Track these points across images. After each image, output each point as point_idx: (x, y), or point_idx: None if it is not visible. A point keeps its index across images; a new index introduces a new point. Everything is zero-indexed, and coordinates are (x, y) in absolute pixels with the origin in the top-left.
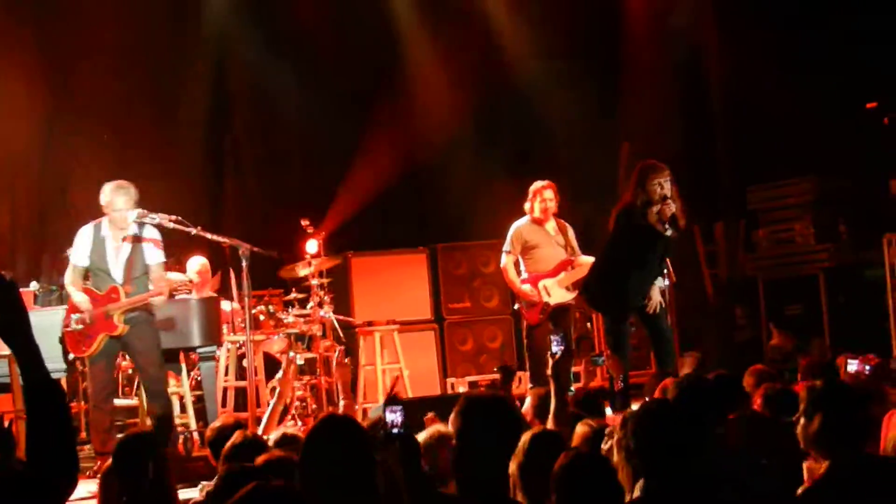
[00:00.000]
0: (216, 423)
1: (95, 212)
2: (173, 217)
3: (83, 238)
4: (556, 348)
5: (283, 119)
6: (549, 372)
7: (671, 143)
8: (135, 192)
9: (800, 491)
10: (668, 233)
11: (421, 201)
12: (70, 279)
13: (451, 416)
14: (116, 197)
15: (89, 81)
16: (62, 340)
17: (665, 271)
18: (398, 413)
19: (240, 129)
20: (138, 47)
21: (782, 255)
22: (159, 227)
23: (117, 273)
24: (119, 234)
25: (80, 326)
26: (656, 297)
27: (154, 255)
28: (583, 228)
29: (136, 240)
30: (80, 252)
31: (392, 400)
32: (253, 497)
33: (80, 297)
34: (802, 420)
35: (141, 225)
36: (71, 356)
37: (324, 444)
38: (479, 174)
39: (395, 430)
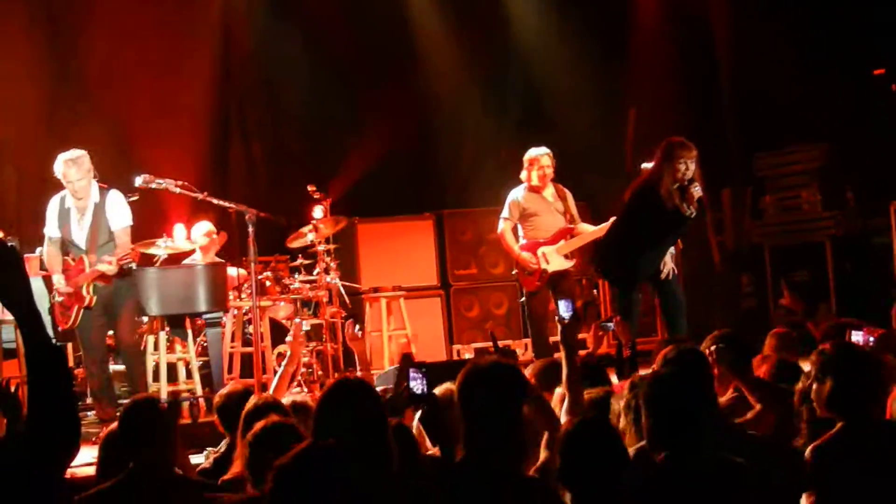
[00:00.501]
0: (224, 390)
1: (101, 174)
2: (180, 182)
3: (51, 210)
4: (564, 313)
5: (289, 85)
6: (558, 337)
7: (678, 110)
8: (87, 162)
9: (809, 448)
10: (691, 214)
11: (427, 167)
12: (46, 252)
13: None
14: (68, 169)
15: (94, 48)
16: (51, 311)
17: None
18: (421, 376)
19: (245, 94)
20: (143, 14)
21: (789, 223)
22: (166, 192)
23: (81, 242)
24: (80, 204)
25: (61, 299)
26: (669, 264)
27: (118, 220)
28: (588, 196)
29: (99, 207)
30: (50, 224)
31: (413, 363)
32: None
33: (56, 279)
34: (815, 384)
35: (103, 191)
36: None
37: (337, 408)
38: (485, 140)
39: (419, 393)
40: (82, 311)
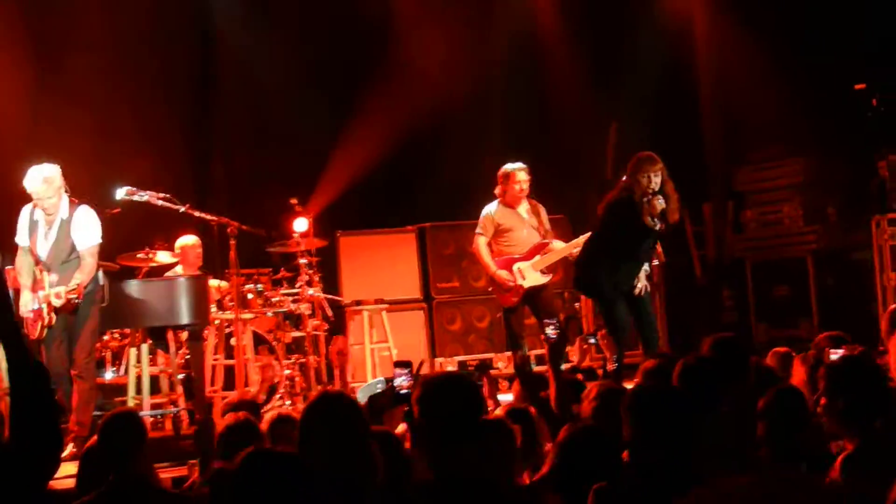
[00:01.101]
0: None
1: (82, 191)
2: (162, 195)
3: (22, 219)
4: (551, 333)
5: (271, 96)
6: (546, 356)
7: (659, 123)
8: (58, 178)
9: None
10: (657, 227)
11: (410, 181)
12: (17, 261)
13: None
14: (38, 186)
15: (75, 59)
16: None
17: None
18: (406, 375)
19: (226, 106)
20: (123, 25)
21: (770, 237)
22: (148, 204)
23: (44, 256)
24: (48, 219)
25: (31, 314)
26: (643, 280)
27: (84, 239)
28: (568, 209)
29: (65, 223)
30: (21, 233)
31: (400, 362)
32: (252, 463)
33: (23, 299)
34: (826, 400)
35: (73, 206)
36: None
37: (320, 420)
38: (468, 154)
39: (402, 392)
40: (45, 329)
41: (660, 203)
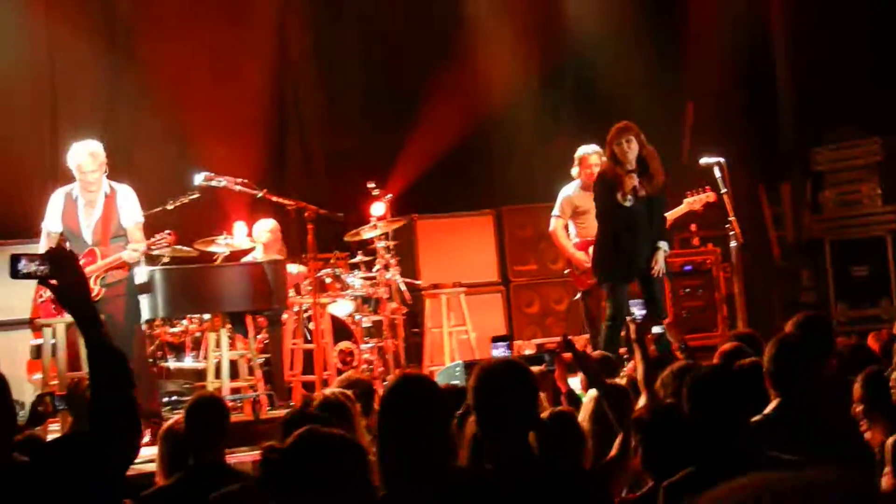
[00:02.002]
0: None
1: (159, 172)
2: (240, 180)
3: (55, 203)
4: (637, 312)
5: (346, 81)
6: (633, 337)
7: (736, 103)
8: (102, 153)
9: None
10: (628, 203)
11: (486, 163)
12: (42, 245)
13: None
14: (84, 159)
15: (151, 42)
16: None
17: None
18: (503, 349)
19: (302, 90)
20: (201, 9)
21: (849, 217)
22: (226, 189)
23: (87, 235)
24: (90, 196)
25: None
26: (661, 262)
27: (131, 215)
28: None
29: (109, 201)
30: (52, 216)
31: (499, 337)
32: (305, 442)
33: None
34: None
35: (113, 187)
36: None
37: (401, 402)
38: (545, 135)
39: None
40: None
41: (632, 179)
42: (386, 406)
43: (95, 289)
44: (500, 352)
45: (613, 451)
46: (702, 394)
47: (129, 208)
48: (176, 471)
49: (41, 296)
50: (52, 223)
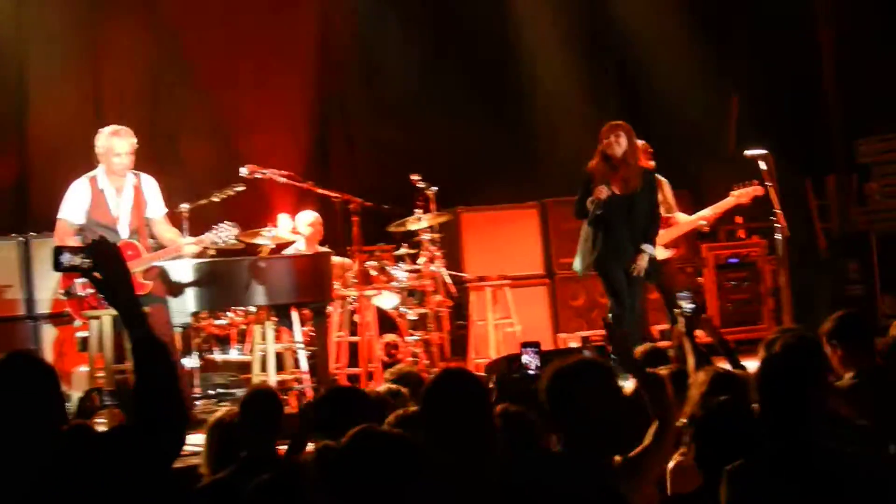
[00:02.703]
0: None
1: (204, 164)
2: (284, 172)
3: (78, 193)
4: (686, 306)
5: (390, 73)
6: (681, 330)
7: (782, 96)
8: (134, 139)
9: None
10: (596, 212)
11: (531, 155)
12: (62, 238)
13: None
14: (116, 140)
15: (195, 34)
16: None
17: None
18: (534, 354)
19: (347, 82)
20: (243, 2)
21: (894, 209)
22: (270, 182)
23: (123, 226)
24: (118, 183)
25: (90, 290)
26: (641, 263)
27: (159, 205)
28: (690, 183)
29: (137, 189)
30: (76, 207)
31: (528, 343)
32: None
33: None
34: None
35: (137, 175)
36: None
37: (444, 397)
38: (589, 128)
39: (530, 372)
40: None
41: (604, 190)
42: (428, 400)
43: (147, 283)
44: (529, 358)
45: (647, 441)
46: (770, 382)
47: (157, 198)
48: (223, 463)
49: (67, 290)
50: (74, 214)
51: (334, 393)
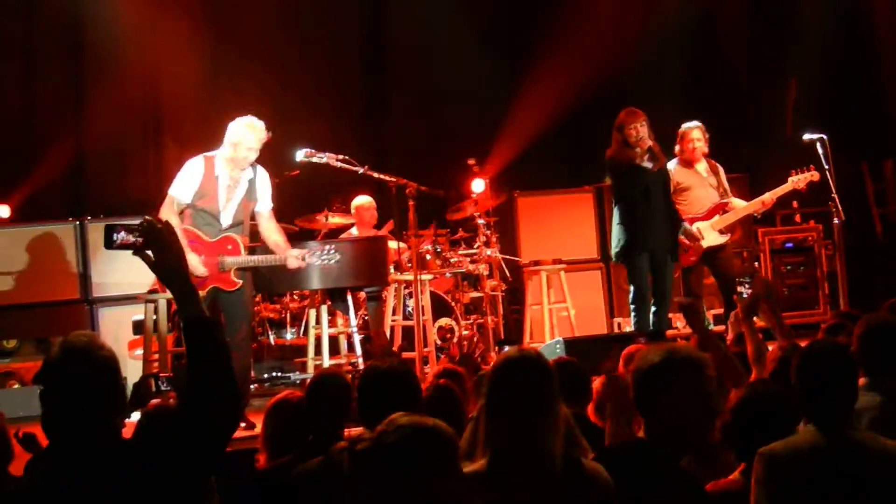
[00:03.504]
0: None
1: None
2: (341, 156)
3: (193, 172)
4: (746, 293)
5: (447, 56)
6: (741, 315)
7: (839, 80)
8: (265, 135)
9: None
10: (649, 165)
11: (587, 140)
12: (166, 213)
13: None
14: (250, 134)
15: (251, 21)
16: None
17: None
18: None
19: (403, 66)
20: None
21: None
22: (326, 166)
23: (226, 217)
24: (235, 175)
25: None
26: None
27: (268, 202)
28: (747, 168)
29: (252, 184)
30: (186, 186)
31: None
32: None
33: (194, 261)
34: None
35: (254, 167)
36: None
37: (508, 379)
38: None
39: None
40: (224, 294)
41: (646, 142)
42: (494, 382)
43: (238, 282)
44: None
45: None
46: (811, 367)
47: (268, 193)
48: (282, 447)
49: None
50: (183, 192)
51: (372, 373)
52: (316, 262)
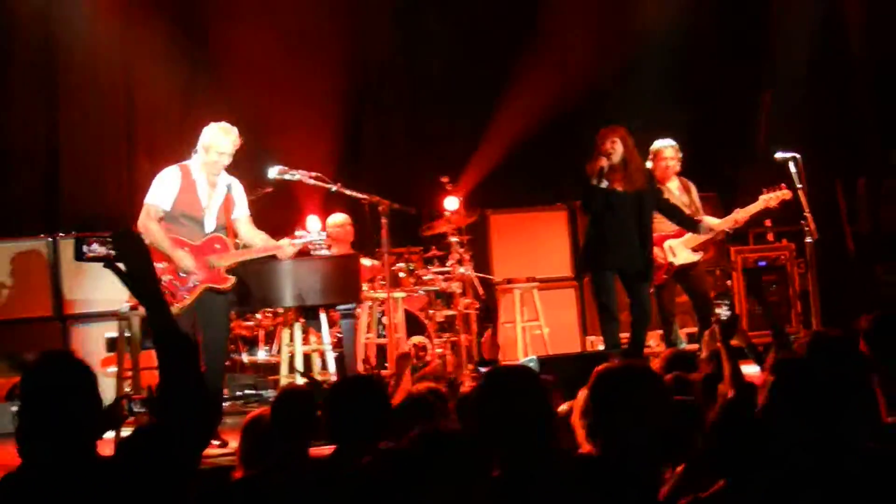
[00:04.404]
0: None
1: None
2: (313, 174)
3: (170, 180)
4: (724, 313)
5: (421, 75)
6: (718, 338)
7: (814, 94)
8: (239, 140)
9: None
10: (607, 184)
11: (559, 158)
12: (147, 223)
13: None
14: (223, 137)
15: (225, 37)
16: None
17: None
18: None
19: (377, 85)
20: (273, 2)
21: None
22: (299, 183)
23: (209, 221)
24: (212, 180)
25: (169, 277)
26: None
27: (245, 209)
28: (723, 187)
29: (229, 189)
30: (165, 193)
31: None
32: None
33: (181, 255)
34: None
35: (227, 173)
36: None
37: (497, 397)
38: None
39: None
40: (209, 294)
41: (600, 162)
42: (486, 393)
43: (229, 280)
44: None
45: None
46: (783, 388)
47: (244, 200)
48: (259, 464)
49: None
50: (162, 199)
51: (341, 385)
52: (313, 237)
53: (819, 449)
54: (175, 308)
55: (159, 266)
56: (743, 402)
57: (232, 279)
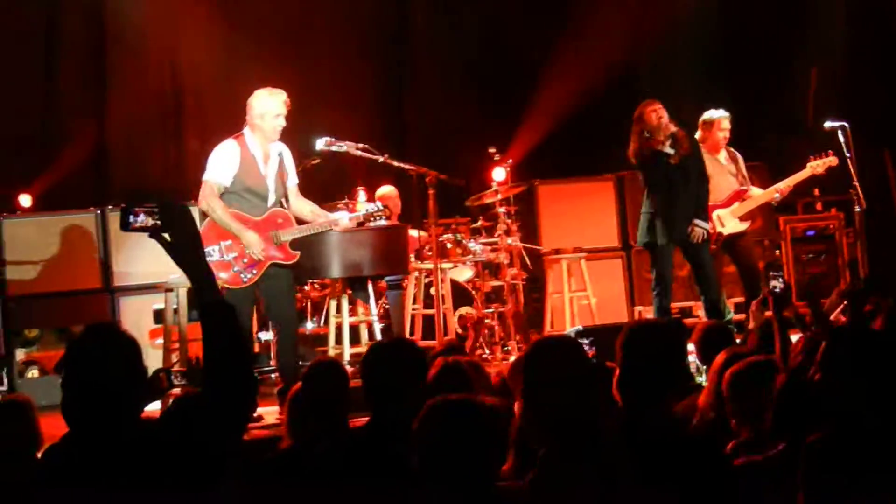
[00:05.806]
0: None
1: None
2: (360, 145)
3: (228, 155)
4: (776, 284)
5: (467, 45)
6: (772, 311)
7: (861, 69)
8: (287, 98)
9: None
10: (671, 152)
11: (608, 128)
12: (210, 201)
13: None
14: (273, 100)
15: (270, 10)
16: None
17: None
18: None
19: (423, 55)
20: None
21: None
22: (346, 154)
23: (270, 195)
24: (266, 149)
25: (234, 254)
26: (699, 229)
27: (294, 175)
28: (769, 157)
29: (282, 157)
30: (224, 170)
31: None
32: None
33: (250, 237)
34: None
35: (280, 143)
36: None
37: (544, 366)
38: (665, 101)
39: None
40: (274, 268)
41: (668, 128)
42: (529, 367)
43: (296, 253)
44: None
45: None
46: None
47: (294, 169)
48: (305, 435)
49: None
50: (223, 175)
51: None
52: (371, 213)
53: (880, 413)
54: (241, 285)
55: (225, 244)
56: (801, 371)
57: (297, 254)
